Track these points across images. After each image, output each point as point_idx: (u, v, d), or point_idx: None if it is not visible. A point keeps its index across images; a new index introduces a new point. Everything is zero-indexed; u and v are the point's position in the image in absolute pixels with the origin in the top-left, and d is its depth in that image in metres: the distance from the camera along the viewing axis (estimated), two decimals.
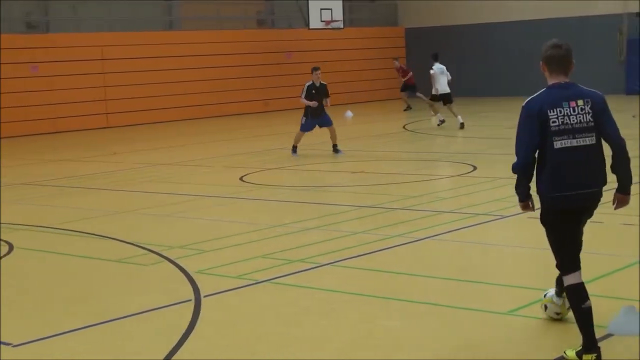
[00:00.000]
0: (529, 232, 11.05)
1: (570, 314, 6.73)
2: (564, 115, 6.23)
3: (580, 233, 6.52)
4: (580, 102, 6.31)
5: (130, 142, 25.95)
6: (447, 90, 25.95)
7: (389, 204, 13.31)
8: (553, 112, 6.23)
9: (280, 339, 7.21)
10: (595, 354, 6.14)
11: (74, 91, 30.69)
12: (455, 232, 11.11)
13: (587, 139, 6.26)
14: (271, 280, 9.04)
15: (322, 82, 20.75)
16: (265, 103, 36.38)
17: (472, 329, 7.26)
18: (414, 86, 34.25)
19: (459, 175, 15.93)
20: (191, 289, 8.81)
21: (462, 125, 24.95)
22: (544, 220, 6.49)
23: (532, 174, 6.39)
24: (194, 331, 7.42)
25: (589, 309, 6.22)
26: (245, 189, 15.73)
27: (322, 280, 9.13)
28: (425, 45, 41.06)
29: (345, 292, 8.54)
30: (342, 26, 36.64)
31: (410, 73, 34.94)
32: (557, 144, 6.22)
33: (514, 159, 6.29)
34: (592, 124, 6.27)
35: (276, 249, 10.52)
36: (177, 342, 7.12)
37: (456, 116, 25.41)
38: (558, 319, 7.16)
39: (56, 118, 30.32)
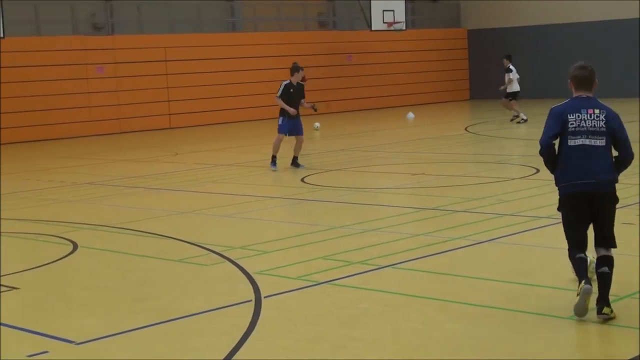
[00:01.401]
0: (591, 236, 10.93)
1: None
2: (581, 120, 7.58)
3: (600, 221, 7.70)
4: (597, 111, 7.62)
5: (193, 143, 26.16)
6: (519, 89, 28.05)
7: (450, 206, 13.25)
8: (572, 116, 7.62)
9: (339, 341, 7.22)
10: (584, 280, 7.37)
11: (137, 92, 31.04)
12: (517, 235, 11.03)
13: (597, 140, 7.55)
14: (331, 282, 9.06)
15: (300, 82, 19.05)
16: (326, 105, 36.41)
17: (533, 332, 7.20)
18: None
19: (521, 178, 15.80)
20: (252, 289, 8.86)
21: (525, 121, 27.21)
22: (559, 206, 7.84)
23: (554, 159, 7.72)
24: (254, 331, 7.46)
25: (607, 274, 7.55)
26: (306, 190, 15.76)
27: (382, 282, 9.12)
28: (487, 47, 40.88)
29: (405, 294, 8.52)
30: (404, 28, 36.54)
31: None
32: (571, 142, 7.58)
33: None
34: (604, 129, 7.54)
35: (336, 250, 10.53)
36: (237, 342, 7.17)
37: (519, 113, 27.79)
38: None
39: (120, 119, 30.69)
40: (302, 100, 18.95)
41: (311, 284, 9.02)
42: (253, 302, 8.36)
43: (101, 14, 31.84)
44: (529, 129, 25.77)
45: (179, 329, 7.71)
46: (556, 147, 7.70)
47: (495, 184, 15.45)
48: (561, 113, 7.65)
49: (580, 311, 7.38)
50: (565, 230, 7.80)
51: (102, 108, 30.29)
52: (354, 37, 37.56)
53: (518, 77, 28.07)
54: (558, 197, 7.79)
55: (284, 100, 18.62)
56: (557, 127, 7.63)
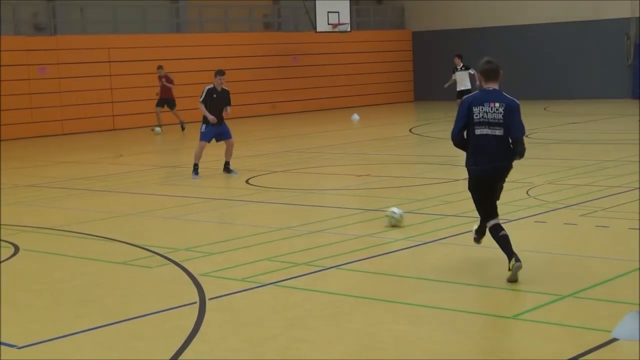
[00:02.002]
0: (536, 235, 11.04)
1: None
2: (484, 112, 8.80)
3: (494, 195, 9.09)
4: (497, 105, 8.80)
5: (137, 145, 25.98)
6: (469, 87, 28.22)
7: (394, 208, 13.27)
8: (476, 108, 8.81)
9: (285, 342, 7.20)
10: (514, 258, 8.66)
11: (81, 93, 30.74)
12: (461, 235, 11.09)
13: (497, 130, 8.77)
14: (276, 283, 9.03)
15: (224, 87, 18.01)
16: (272, 106, 36.41)
17: (479, 332, 7.25)
18: (174, 101, 29.47)
19: (465, 179, 15.87)
20: (196, 291, 8.81)
21: None
22: (468, 186, 9.19)
23: (464, 144, 9.02)
24: (198, 333, 7.41)
25: (505, 236, 8.87)
26: (251, 191, 15.73)
27: (328, 283, 9.12)
28: (431, 48, 41.14)
29: (350, 295, 8.52)
30: (349, 29, 36.64)
31: (172, 86, 29.30)
32: (477, 132, 8.83)
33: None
34: (502, 121, 8.75)
35: (282, 251, 10.51)
36: (182, 344, 7.12)
37: None
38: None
39: (63, 120, 30.37)
40: (227, 108, 17.93)
41: (256, 285, 8.99)
42: (198, 304, 8.31)
43: (44, 14, 31.49)
44: None
45: (123, 332, 7.64)
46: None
47: (439, 185, 15.53)
48: (468, 105, 8.90)
49: (512, 279, 8.68)
50: (476, 206, 9.26)
51: (44, 109, 29.95)
52: (299, 38, 37.58)
53: (473, 72, 27.84)
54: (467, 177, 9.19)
55: (206, 106, 17.76)
56: (463, 121, 8.92)
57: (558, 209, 12.54)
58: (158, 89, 29.57)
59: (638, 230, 10.70)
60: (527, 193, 13.95)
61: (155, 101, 29.70)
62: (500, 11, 39.23)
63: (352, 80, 39.22)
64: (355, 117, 32.20)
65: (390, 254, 10.25)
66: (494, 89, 8.90)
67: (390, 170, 18.07)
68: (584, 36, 36.63)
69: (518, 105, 8.92)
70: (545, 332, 7.18)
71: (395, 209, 11.85)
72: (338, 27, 35.98)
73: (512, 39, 38.64)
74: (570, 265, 9.47)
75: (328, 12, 35.55)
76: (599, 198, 13.25)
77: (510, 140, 8.85)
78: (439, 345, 6.97)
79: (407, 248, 10.54)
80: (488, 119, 8.77)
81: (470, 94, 9.12)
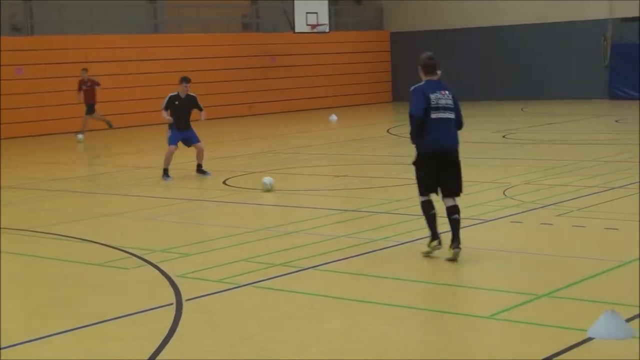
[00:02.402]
0: (511, 235, 11.08)
1: None
2: (439, 98, 9.78)
3: (451, 176, 9.93)
4: (446, 92, 9.89)
5: (115, 145, 25.88)
6: None
7: (372, 208, 13.30)
8: (432, 95, 9.75)
9: (262, 343, 7.18)
10: (437, 241, 9.83)
11: (58, 94, 30.58)
12: None
13: (449, 114, 9.82)
14: (253, 284, 9.02)
15: (190, 94, 18.32)
16: (249, 107, 36.36)
17: (456, 332, 7.26)
18: (93, 106, 28.36)
19: None
20: (173, 292, 8.78)
21: None
22: (416, 162, 10.07)
23: (422, 128, 9.75)
24: (175, 335, 7.39)
25: (434, 215, 9.91)
26: (228, 192, 15.70)
27: (305, 284, 9.11)
28: (410, 49, 41.17)
29: (327, 296, 8.52)
30: (327, 30, 36.63)
31: (98, 87, 28.31)
32: (433, 115, 9.74)
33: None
34: (452, 106, 9.83)
35: (258, 252, 10.49)
36: (158, 345, 7.09)
37: None
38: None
39: (40, 121, 30.21)
40: (201, 113, 18.46)
41: (233, 286, 8.97)
42: (174, 306, 8.29)
43: (21, 14, 31.32)
44: None
45: (99, 334, 7.60)
46: None
47: (416, 185, 15.52)
48: (424, 91, 9.79)
49: (427, 255, 9.93)
50: (418, 181, 10.13)
51: (22, 110, 29.78)
52: (278, 39, 37.54)
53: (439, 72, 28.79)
54: (416, 155, 10.05)
55: (170, 113, 17.97)
56: (425, 102, 9.70)
57: (535, 209, 12.58)
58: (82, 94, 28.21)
59: (615, 230, 10.76)
60: (504, 193, 13.98)
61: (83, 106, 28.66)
62: (479, 12, 39.33)
63: (331, 81, 39.22)
64: (334, 117, 32.20)
65: (367, 255, 10.25)
66: (438, 80, 9.97)
67: (368, 170, 18.08)
68: (561, 37, 36.77)
69: (454, 93, 10.09)
70: (522, 331, 7.20)
71: (266, 179, 15.20)
72: (317, 27, 35.98)
73: (490, 39, 38.77)
74: (546, 264, 9.50)
75: (306, 12, 35.53)
76: (575, 198, 13.30)
77: (459, 123, 10.03)
78: (416, 345, 6.98)
79: (384, 248, 10.54)
80: (442, 104, 9.80)
81: (418, 84, 9.94)
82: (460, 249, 9.65)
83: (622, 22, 36.11)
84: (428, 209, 10.01)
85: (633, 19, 35.88)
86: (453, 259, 9.60)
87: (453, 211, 9.87)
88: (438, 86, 9.90)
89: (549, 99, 36.75)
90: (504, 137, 23.23)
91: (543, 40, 37.37)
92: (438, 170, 9.91)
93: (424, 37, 40.50)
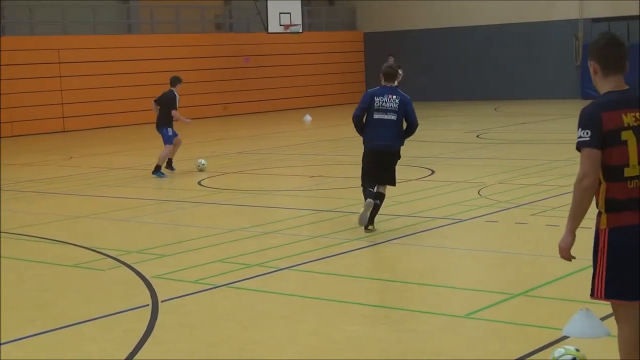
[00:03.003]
0: (487, 235, 11.13)
1: None
2: (383, 102, 11.44)
3: (383, 170, 11.67)
4: (394, 97, 11.45)
5: (88, 146, 25.77)
6: None
7: (347, 208, 13.32)
8: (378, 98, 11.47)
9: (239, 344, 7.19)
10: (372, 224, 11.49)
11: (30, 95, 30.40)
12: (413, 235, 11.15)
13: (391, 115, 11.42)
14: (229, 285, 9.02)
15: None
16: (224, 107, 36.31)
17: (431, 332, 7.29)
18: None
19: (416, 180, 15.98)
20: (149, 293, 8.76)
21: None
22: (363, 158, 11.81)
23: (362, 126, 11.74)
24: (151, 336, 7.38)
25: (377, 205, 11.50)
26: (203, 193, 15.67)
27: (281, 284, 9.12)
28: (383, 49, 41.26)
29: (304, 296, 8.53)
30: (301, 30, 36.63)
31: None
32: (375, 116, 11.48)
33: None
34: (397, 109, 11.40)
35: (234, 253, 10.49)
36: (134, 347, 7.08)
37: None
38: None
39: (12, 122, 30.01)
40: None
41: (209, 287, 8.97)
42: (150, 307, 8.27)
43: None
44: (425, 132, 26.07)
45: (75, 336, 7.58)
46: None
47: None
48: (372, 95, 11.58)
49: (362, 219, 11.37)
50: (362, 174, 11.78)
51: None
52: (251, 39, 37.51)
53: (401, 73, 29.98)
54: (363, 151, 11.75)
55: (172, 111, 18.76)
56: (365, 104, 11.55)
57: (509, 208, 12.65)
58: None
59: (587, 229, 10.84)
60: (478, 193, 14.05)
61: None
62: (451, 13, 39.46)
63: (305, 81, 39.22)
64: (308, 118, 32.20)
65: (343, 255, 10.27)
66: (391, 86, 11.64)
67: (343, 170, 18.09)
68: (533, 37, 36.97)
69: (410, 99, 11.66)
70: (497, 330, 7.25)
71: (202, 160, 18.48)
72: (290, 28, 35.97)
73: (463, 40, 38.92)
74: (521, 264, 9.56)
75: (280, 13, 35.50)
76: (549, 197, 13.38)
77: (407, 124, 11.61)
78: (393, 345, 7.00)
79: (359, 248, 10.56)
80: (385, 107, 11.42)
81: (372, 89, 11.76)
82: (374, 230, 11.37)
83: (593, 22, 36.34)
84: (366, 194, 11.47)
85: (603, 19, 36.11)
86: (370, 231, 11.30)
87: (377, 197, 11.51)
88: (389, 91, 11.54)
89: (521, 99, 36.93)
90: (477, 136, 23.32)
91: (515, 40, 37.54)
92: (374, 165, 11.63)
93: (397, 37, 40.61)
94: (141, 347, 7.10)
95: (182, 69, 34.71)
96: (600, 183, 5.18)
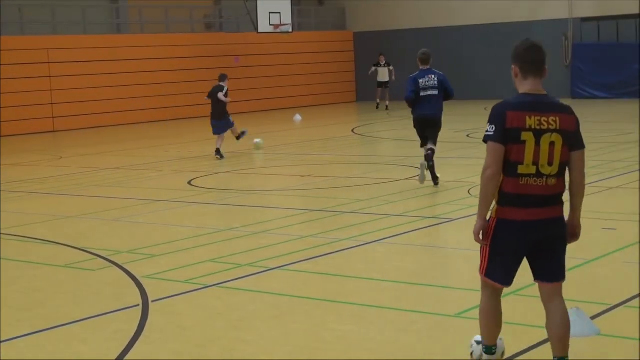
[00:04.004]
0: None
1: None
2: (426, 81, 14.63)
3: (431, 133, 14.96)
4: (433, 76, 14.72)
5: (77, 146, 25.73)
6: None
7: (337, 208, 13.33)
8: (421, 80, 14.67)
9: (229, 344, 7.18)
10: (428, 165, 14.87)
11: (19, 95, 30.34)
12: (403, 235, 11.16)
13: (434, 91, 14.66)
14: (220, 285, 9.01)
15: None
16: None
17: (422, 331, 7.30)
18: None
19: (407, 179, 16.00)
20: (139, 293, 8.75)
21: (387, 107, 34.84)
22: (414, 125, 15.13)
23: (414, 104, 14.76)
24: (141, 336, 7.37)
25: (425, 165, 14.74)
26: (194, 193, 15.66)
27: (271, 284, 9.11)
28: (373, 49, 41.31)
29: (294, 296, 8.53)
30: (290, 30, 36.65)
31: None
32: (422, 93, 14.65)
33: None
34: (437, 86, 14.65)
35: (225, 253, 10.49)
36: (125, 347, 7.07)
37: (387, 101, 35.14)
38: None
39: (3, 121, 29.93)
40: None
41: (200, 287, 8.96)
42: (141, 307, 8.26)
43: None
44: (414, 131, 26.10)
45: (65, 336, 7.56)
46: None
47: (382, 185, 15.60)
48: (415, 79, 14.75)
49: (421, 179, 14.78)
50: (419, 135, 15.09)
51: None
52: (241, 39, 37.49)
53: (392, 69, 35.59)
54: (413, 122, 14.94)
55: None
56: (414, 86, 14.67)
57: None
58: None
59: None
60: (468, 192, 14.06)
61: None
62: (441, 12, 39.52)
63: (295, 81, 39.23)
64: (298, 117, 32.21)
65: (333, 254, 10.27)
66: (428, 68, 14.81)
67: (333, 170, 18.11)
68: (522, 37, 36.63)
69: (444, 75, 14.84)
70: None
71: (258, 139, 21.99)
72: (280, 27, 35.97)
73: (453, 39, 38.97)
74: None
75: (270, 12, 35.51)
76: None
77: (446, 94, 14.78)
78: (383, 344, 7.01)
79: (350, 248, 10.57)
80: (428, 85, 14.65)
81: (414, 74, 14.87)
82: (438, 183, 14.85)
83: (582, 21, 36.44)
84: (427, 157, 14.78)
85: (592, 19, 36.21)
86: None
87: (430, 153, 14.74)
88: (427, 72, 14.75)
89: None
90: (467, 136, 23.35)
91: (504, 39, 37.51)
92: (424, 129, 14.92)
93: (387, 37, 40.64)
94: (132, 347, 7.09)
95: (171, 69, 34.75)
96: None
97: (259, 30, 35.58)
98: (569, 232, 5.87)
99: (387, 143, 23.83)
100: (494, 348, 6.09)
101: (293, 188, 16.21)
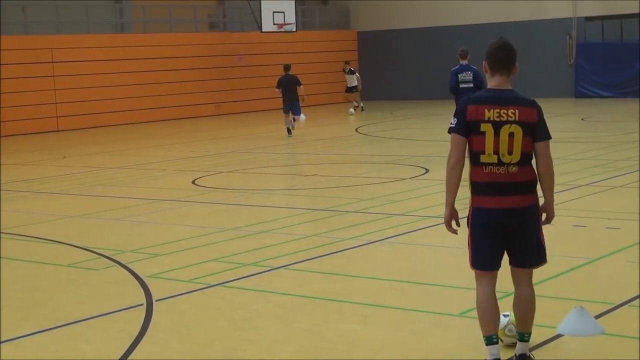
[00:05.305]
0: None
1: None
2: (464, 76, 18.38)
3: None
4: (469, 72, 18.41)
5: (81, 146, 25.75)
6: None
7: (341, 207, 13.33)
8: (461, 74, 18.47)
9: (233, 343, 7.18)
10: None
11: (24, 94, 30.37)
12: (407, 234, 11.15)
13: (470, 84, 18.11)
14: (224, 284, 9.01)
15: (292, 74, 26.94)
16: (217, 106, 36.29)
17: (426, 330, 7.30)
18: None
19: (411, 178, 16.00)
20: (143, 293, 8.76)
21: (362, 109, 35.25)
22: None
23: (456, 91, 18.30)
24: (145, 335, 7.37)
25: None
26: (197, 192, 15.66)
27: (275, 283, 9.11)
28: (377, 48, 41.34)
29: (298, 295, 8.53)
30: (294, 29, 36.64)
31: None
32: (462, 86, 18.17)
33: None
34: (471, 79, 18.29)
35: (229, 252, 10.49)
36: (129, 346, 7.07)
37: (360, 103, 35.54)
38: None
39: (6, 121, 29.99)
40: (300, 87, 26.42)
41: (204, 286, 8.96)
42: (145, 306, 8.26)
43: None
44: (419, 130, 26.19)
45: (69, 335, 7.57)
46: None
47: (386, 184, 15.60)
48: (456, 72, 18.46)
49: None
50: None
51: None
52: (245, 38, 37.50)
53: (357, 76, 35.86)
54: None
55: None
56: (455, 79, 18.42)
57: None
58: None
59: (582, 227, 10.86)
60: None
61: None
62: (443, 11, 39.51)
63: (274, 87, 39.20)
64: (302, 117, 32.08)
65: (337, 254, 10.27)
66: (467, 64, 18.51)
67: (337, 169, 18.11)
68: (526, 36, 36.99)
69: (477, 70, 17.64)
70: None
71: (352, 109, 29.31)
72: (283, 27, 35.97)
73: (455, 38, 38.87)
74: None
75: (273, 12, 35.51)
76: (541, 196, 13.35)
77: (478, 84, 17.89)
78: (387, 344, 7.00)
79: (354, 247, 10.57)
80: (466, 79, 18.33)
81: (455, 67, 18.73)
82: None
83: (587, 20, 36.41)
84: None
85: (597, 18, 36.18)
86: None
87: None
88: (465, 68, 18.55)
89: None
90: None
91: (509, 38, 37.57)
92: None
93: (392, 36, 40.66)
94: (135, 346, 7.10)
95: (175, 68, 34.77)
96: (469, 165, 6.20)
97: (263, 30, 35.59)
98: (543, 214, 6.26)
99: (391, 142, 23.81)
100: (494, 337, 6.21)
101: (297, 187, 16.21)
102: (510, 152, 6.02)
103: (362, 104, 35.82)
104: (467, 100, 6.16)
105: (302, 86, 26.53)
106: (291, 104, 26.19)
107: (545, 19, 37.01)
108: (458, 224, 6.27)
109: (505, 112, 5.98)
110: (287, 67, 27.08)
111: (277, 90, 26.60)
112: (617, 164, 16.62)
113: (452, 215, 6.30)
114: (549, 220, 6.30)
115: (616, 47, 35.62)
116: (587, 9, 36.34)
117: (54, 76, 31.24)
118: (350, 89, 36.33)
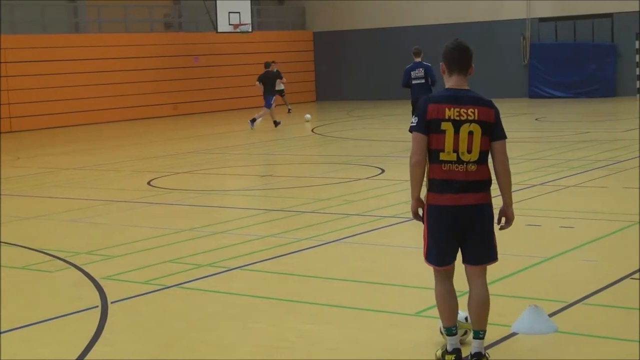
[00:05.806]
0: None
1: None
2: (416, 73, 20.15)
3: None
4: (421, 69, 20.10)
5: (36, 147, 25.53)
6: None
7: (298, 207, 13.34)
8: (412, 72, 20.16)
9: (190, 344, 7.17)
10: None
11: None
12: (363, 234, 11.19)
13: (421, 81, 19.92)
14: (180, 285, 8.99)
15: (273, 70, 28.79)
16: (174, 107, 36.15)
17: (382, 330, 7.32)
18: None
19: (367, 178, 16.04)
20: (98, 295, 8.71)
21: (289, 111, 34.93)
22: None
23: (409, 87, 20.29)
24: (101, 337, 7.33)
25: None
26: (153, 193, 15.60)
27: (231, 284, 9.10)
28: (333, 48, 41.40)
29: (254, 296, 8.53)
30: (250, 30, 36.59)
31: None
32: (413, 82, 20.09)
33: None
34: (423, 75, 19.96)
35: (185, 253, 10.46)
36: (84, 349, 7.03)
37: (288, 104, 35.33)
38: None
39: None
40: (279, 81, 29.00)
41: (160, 287, 8.93)
42: (100, 308, 8.22)
43: None
44: (375, 131, 26.28)
45: (24, 338, 7.51)
46: None
47: (342, 184, 15.63)
48: (409, 70, 19.98)
49: None
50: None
51: None
52: (201, 38, 37.39)
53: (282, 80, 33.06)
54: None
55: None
56: (407, 77, 19.95)
57: None
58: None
59: (537, 227, 10.96)
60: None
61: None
62: (399, 12, 39.67)
63: (254, 81, 39.13)
64: (307, 116, 31.46)
65: (293, 254, 10.28)
66: (419, 61, 20.00)
67: (293, 170, 18.12)
68: (480, 37, 37.23)
69: (429, 66, 19.71)
70: None
71: (308, 115, 27.72)
72: (239, 27, 35.89)
73: (411, 39, 38.88)
74: None
75: (229, 12, 35.43)
76: (497, 195, 13.45)
77: (430, 81, 19.81)
78: (344, 343, 7.02)
79: (310, 248, 10.58)
80: (417, 76, 19.81)
81: (408, 65, 20.25)
82: None
83: (540, 21, 36.75)
84: None
85: (550, 19, 36.52)
86: None
87: None
88: (417, 65, 20.06)
89: None
90: None
91: (463, 39, 37.82)
92: (414, 108, 16.18)
93: (347, 36, 40.72)
94: (91, 348, 7.06)
95: (130, 69, 34.57)
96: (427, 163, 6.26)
97: (219, 30, 35.50)
98: (503, 217, 6.50)
99: (347, 143, 23.85)
100: (453, 328, 6.39)
101: (253, 188, 16.20)
102: (469, 151, 6.14)
103: (289, 107, 35.31)
104: (428, 99, 6.25)
105: (283, 79, 30.12)
106: (267, 97, 28.10)
107: (500, 19, 37.28)
108: (424, 214, 6.38)
109: (465, 111, 6.11)
110: (267, 65, 29.09)
111: (257, 83, 28.61)
112: (571, 164, 16.79)
113: (417, 206, 6.41)
114: (508, 223, 6.50)
115: (569, 48, 35.99)
116: (540, 10, 36.67)
117: (7, 76, 30.91)
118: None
